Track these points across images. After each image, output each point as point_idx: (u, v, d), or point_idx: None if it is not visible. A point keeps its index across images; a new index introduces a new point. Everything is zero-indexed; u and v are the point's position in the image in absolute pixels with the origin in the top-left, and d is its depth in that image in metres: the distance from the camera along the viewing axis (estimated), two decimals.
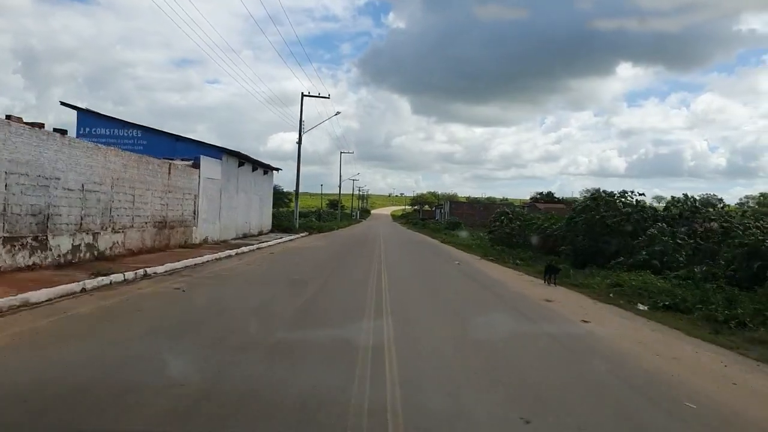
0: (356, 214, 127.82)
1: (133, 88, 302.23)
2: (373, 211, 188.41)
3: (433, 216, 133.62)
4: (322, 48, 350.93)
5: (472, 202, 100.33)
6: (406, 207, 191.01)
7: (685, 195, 24.42)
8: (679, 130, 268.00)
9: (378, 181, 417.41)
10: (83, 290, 9.92)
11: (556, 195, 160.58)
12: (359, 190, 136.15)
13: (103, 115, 25.66)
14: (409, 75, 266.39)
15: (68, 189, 13.26)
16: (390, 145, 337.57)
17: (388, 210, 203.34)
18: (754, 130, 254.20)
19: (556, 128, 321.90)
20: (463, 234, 42.10)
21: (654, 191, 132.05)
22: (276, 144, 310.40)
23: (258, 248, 22.86)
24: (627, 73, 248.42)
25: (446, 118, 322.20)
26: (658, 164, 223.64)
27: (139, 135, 25.01)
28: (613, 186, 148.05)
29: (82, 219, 13.98)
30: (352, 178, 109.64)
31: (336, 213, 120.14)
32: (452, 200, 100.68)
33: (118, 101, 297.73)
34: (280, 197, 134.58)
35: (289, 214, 45.82)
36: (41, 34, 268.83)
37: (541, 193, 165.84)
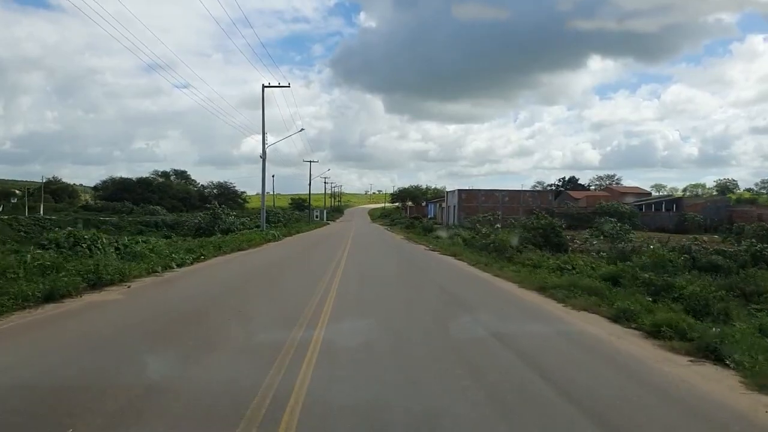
0: (319, 213, 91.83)
1: (102, 95, 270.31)
2: (349, 210, 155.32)
3: (426, 213, 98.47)
4: (294, 50, 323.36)
5: (492, 192, 64.87)
6: (386, 204, 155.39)
7: None
8: (650, 121, 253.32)
9: (354, 181, 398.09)
10: None
11: (557, 184, 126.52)
12: (324, 180, 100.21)
13: None
14: (381, 74, 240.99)
15: None
16: (364, 145, 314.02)
17: (366, 208, 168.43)
18: (724, 119, 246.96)
19: (529, 123, 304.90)
20: None
21: (628, 182, 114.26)
22: (250, 147, 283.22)
23: None
24: (596, 66, 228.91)
25: (419, 116, 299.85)
26: (631, 155, 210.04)
27: None
28: (587, 177, 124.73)
29: None
30: (309, 159, 74.29)
31: (303, 214, 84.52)
32: (463, 190, 64.97)
33: (88, 108, 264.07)
34: (232, 197, 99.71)
35: None
36: (5, 42, 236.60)
37: (563, 179, 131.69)
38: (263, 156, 33.91)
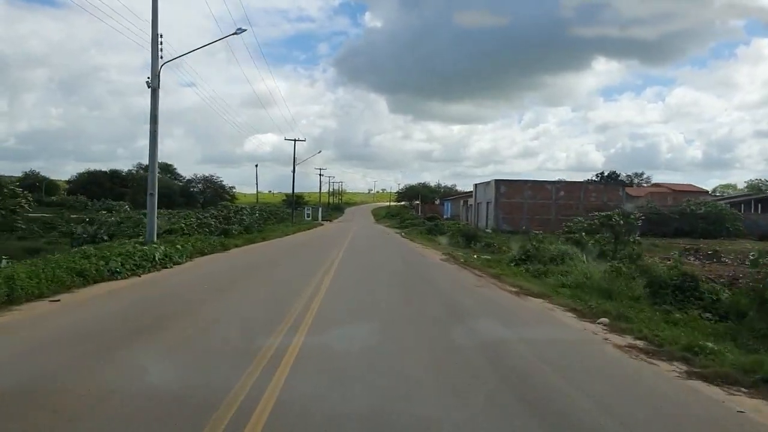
0: (311, 212, 75.23)
1: (106, 93, 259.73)
2: (350, 209, 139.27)
3: (441, 212, 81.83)
4: (298, 49, 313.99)
5: (542, 184, 47.88)
6: (391, 203, 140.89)
7: None
8: (655, 124, 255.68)
9: (358, 181, 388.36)
10: None
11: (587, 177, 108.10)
12: (320, 173, 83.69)
13: None
14: (386, 74, 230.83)
15: None
16: (368, 145, 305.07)
17: (369, 206, 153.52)
18: (728, 122, 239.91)
19: (534, 124, 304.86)
20: None
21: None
22: (253, 146, 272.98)
23: None
24: (601, 68, 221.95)
25: (423, 116, 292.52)
26: (635, 158, 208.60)
27: None
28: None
29: None
30: (293, 137, 58.21)
31: (296, 212, 64.98)
32: (501, 180, 47.80)
33: (92, 106, 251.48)
34: (219, 193, 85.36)
35: None
36: (10, 39, 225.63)
37: (601, 174, 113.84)
38: (155, 84, 16.82)
